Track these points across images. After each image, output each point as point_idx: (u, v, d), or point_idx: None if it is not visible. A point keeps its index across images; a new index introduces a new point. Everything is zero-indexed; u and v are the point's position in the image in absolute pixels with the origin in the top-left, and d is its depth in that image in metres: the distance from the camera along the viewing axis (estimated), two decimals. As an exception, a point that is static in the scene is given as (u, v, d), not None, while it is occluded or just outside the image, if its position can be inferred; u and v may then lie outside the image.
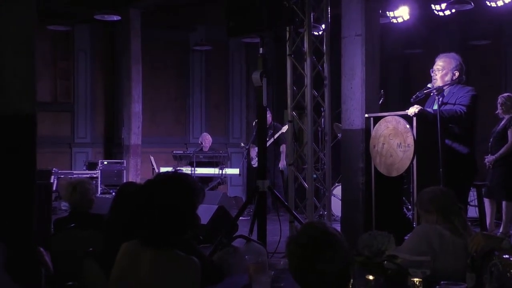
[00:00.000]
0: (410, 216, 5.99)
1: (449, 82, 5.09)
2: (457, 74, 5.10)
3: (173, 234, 2.36)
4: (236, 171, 10.55)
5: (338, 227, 6.23)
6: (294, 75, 6.89)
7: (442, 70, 5.11)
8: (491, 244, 2.82)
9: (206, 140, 10.59)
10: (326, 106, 6.91)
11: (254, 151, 9.56)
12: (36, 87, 3.45)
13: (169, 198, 2.36)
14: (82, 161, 11.38)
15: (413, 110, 4.91)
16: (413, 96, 5.15)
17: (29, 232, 3.34)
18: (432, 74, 5.16)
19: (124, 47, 10.77)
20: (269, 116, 9.58)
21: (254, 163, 9.63)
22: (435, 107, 5.03)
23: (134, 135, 10.54)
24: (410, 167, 5.00)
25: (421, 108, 4.95)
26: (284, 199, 6.35)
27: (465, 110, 4.91)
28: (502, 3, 8.17)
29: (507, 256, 2.60)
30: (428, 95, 5.23)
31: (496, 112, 6.96)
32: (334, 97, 6.79)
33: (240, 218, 6.09)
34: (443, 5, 8.69)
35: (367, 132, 5.68)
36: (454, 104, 4.98)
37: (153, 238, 2.35)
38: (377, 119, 5.35)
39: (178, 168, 9.55)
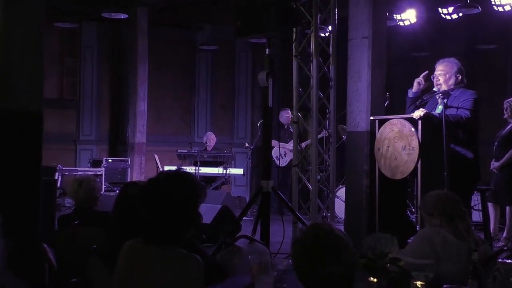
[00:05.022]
0: (414, 219, 5.98)
1: (453, 85, 5.10)
2: (460, 77, 5.13)
3: (175, 232, 2.37)
4: (240, 171, 10.55)
5: (341, 229, 6.22)
6: (300, 76, 6.89)
7: (445, 75, 5.13)
8: None
9: (211, 139, 10.60)
10: (331, 107, 6.91)
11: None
12: (43, 84, 3.46)
13: (171, 196, 2.37)
14: (87, 158, 11.41)
15: (418, 113, 4.92)
16: (419, 100, 5.15)
17: (34, 228, 3.35)
18: (434, 80, 5.17)
19: (131, 45, 10.79)
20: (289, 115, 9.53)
21: (282, 163, 9.45)
22: (438, 110, 5.04)
23: (139, 133, 10.56)
24: (414, 170, 5.00)
25: (426, 112, 4.95)
26: (288, 200, 6.36)
27: (469, 115, 4.93)
28: (509, 8, 8.14)
29: (509, 261, 2.60)
30: (431, 98, 5.24)
31: (504, 117, 6.95)
32: (340, 99, 6.79)
33: (244, 218, 6.09)
34: (450, 9, 8.67)
35: (372, 134, 5.68)
36: (457, 107, 4.99)
37: (155, 236, 2.36)
38: (382, 122, 5.35)
39: (181, 167, 9.56)
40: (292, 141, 9.15)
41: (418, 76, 5.36)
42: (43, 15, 3.44)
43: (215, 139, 10.67)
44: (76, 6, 10.63)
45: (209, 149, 10.52)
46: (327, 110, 7.07)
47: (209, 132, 11.01)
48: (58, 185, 9.25)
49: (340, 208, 7.77)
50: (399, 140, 5.08)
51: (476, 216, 6.90)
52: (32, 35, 3.38)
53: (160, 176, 2.51)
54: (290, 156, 9.18)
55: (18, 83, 3.31)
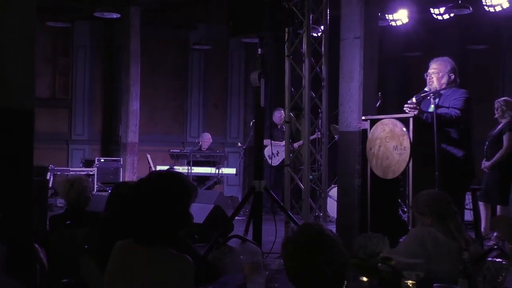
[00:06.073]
0: (406, 219, 6.00)
1: (445, 84, 5.12)
2: (453, 76, 5.15)
3: (166, 232, 2.37)
4: (232, 170, 10.55)
5: (333, 228, 6.25)
6: (292, 76, 6.90)
7: (438, 73, 5.14)
8: None
9: (206, 140, 10.59)
10: (323, 107, 6.92)
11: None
12: (34, 83, 3.46)
13: (161, 196, 2.37)
14: (79, 158, 11.38)
15: (409, 107, 4.96)
16: (410, 99, 5.17)
17: (26, 228, 3.34)
18: (427, 78, 5.19)
19: (124, 45, 10.77)
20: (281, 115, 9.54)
21: (274, 162, 9.41)
22: (431, 109, 5.06)
23: (132, 133, 10.55)
24: (406, 170, 5.02)
25: (419, 110, 4.99)
26: (280, 200, 6.37)
27: (460, 114, 4.95)
28: (500, 8, 8.19)
29: (499, 259, 2.61)
30: (423, 98, 5.26)
31: (496, 116, 6.98)
32: (332, 99, 6.81)
33: (236, 218, 6.10)
34: (442, 9, 8.72)
35: (363, 134, 5.70)
36: (448, 107, 5.01)
37: (146, 236, 2.36)
38: (374, 122, 5.36)
39: (173, 167, 9.56)
40: (284, 141, 9.18)
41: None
42: (34, 14, 3.43)
43: (210, 140, 10.65)
44: (68, 5, 10.59)
45: (203, 148, 10.52)
46: (319, 110, 7.09)
47: (205, 133, 11.00)
48: (50, 185, 9.22)
49: (332, 207, 7.80)
50: (390, 140, 5.10)
51: (468, 215, 6.93)
52: (24, 34, 3.37)
53: (151, 176, 2.51)
54: (282, 155, 9.19)
55: (9, 82, 3.30)
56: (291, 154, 7.12)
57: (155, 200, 2.36)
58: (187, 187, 2.44)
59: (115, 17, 9.87)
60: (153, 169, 9.82)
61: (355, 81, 6.00)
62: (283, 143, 8.91)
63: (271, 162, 9.25)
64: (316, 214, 7.30)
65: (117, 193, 2.99)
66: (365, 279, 2.53)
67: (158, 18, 11.25)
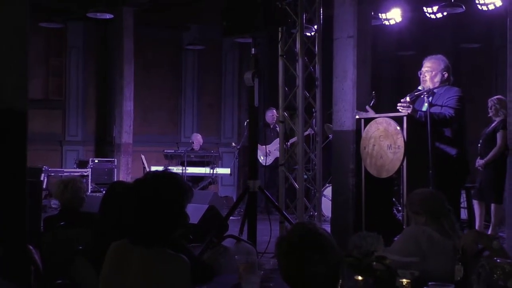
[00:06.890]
0: (400, 218, 6.02)
1: (438, 82, 5.13)
2: (446, 75, 5.16)
3: (162, 232, 2.37)
4: (227, 170, 10.54)
5: (328, 227, 6.26)
6: (286, 76, 6.90)
7: (431, 72, 5.15)
8: (482, 242, 2.86)
9: (196, 140, 10.59)
10: (317, 107, 6.92)
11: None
12: (28, 83, 3.44)
13: (157, 196, 2.37)
14: (73, 159, 11.35)
15: (405, 110, 4.96)
16: (404, 98, 5.18)
17: (20, 229, 3.33)
18: (420, 76, 5.20)
19: (117, 45, 10.75)
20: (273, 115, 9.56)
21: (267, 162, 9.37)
22: (424, 108, 5.07)
23: (126, 133, 10.52)
24: (400, 169, 5.03)
25: (412, 109, 5.00)
26: (275, 199, 6.37)
27: (453, 114, 4.96)
28: (493, 7, 8.22)
29: (494, 258, 2.62)
30: (417, 97, 5.27)
31: (489, 115, 7.01)
32: (326, 98, 6.81)
33: (231, 218, 6.10)
34: (435, 8, 8.73)
35: (357, 133, 5.71)
36: (442, 105, 5.02)
37: (142, 236, 2.36)
38: (368, 121, 5.37)
39: (168, 167, 9.55)
40: (275, 140, 9.20)
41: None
42: (28, 14, 3.42)
43: (201, 140, 10.66)
44: (61, 6, 10.56)
45: (195, 149, 10.51)
46: (313, 109, 7.09)
47: (196, 133, 11.02)
48: (44, 186, 9.20)
49: (327, 207, 7.80)
50: (384, 139, 5.11)
51: (462, 214, 6.95)
52: (17, 34, 3.36)
53: (147, 176, 2.51)
54: (275, 154, 9.20)
55: (2, 82, 3.28)
56: (285, 154, 7.12)
57: (151, 200, 2.36)
58: (183, 188, 2.44)
59: (108, 17, 9.85)
60: (148, 169, 9.81)
61: (348, 80, 6.01)
62: (273, 144, 8.96)
63: (265, 163, 9.26)
64: (311, 213, 7.30)
65: (113, 192, 2.98)
66: (360, 278, 2.53)
67: (152, 18, 11.23)
